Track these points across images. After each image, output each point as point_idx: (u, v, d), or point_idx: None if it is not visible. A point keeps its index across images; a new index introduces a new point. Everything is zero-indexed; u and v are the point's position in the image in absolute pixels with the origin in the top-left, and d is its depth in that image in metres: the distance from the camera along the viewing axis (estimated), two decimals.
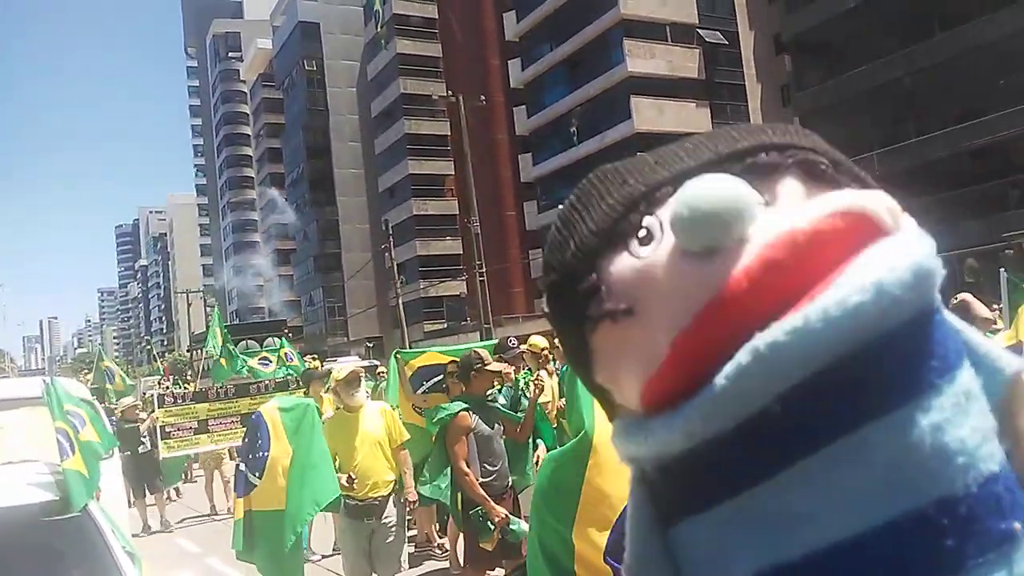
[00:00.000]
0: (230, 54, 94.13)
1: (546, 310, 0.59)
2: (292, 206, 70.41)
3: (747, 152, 0.53)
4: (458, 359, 6.30)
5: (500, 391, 6.18)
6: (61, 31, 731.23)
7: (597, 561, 2.38)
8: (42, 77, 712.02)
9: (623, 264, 0.52)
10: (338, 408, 5.97)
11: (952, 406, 0.48)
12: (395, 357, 7.56)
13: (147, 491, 11.40)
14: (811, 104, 29.90)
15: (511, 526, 5.10)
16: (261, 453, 5.33)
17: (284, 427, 5.31)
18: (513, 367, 6.83)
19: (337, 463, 5.53)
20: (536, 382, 5.80)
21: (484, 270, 29.86)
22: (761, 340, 0.46)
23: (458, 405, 5.32)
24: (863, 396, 0.47)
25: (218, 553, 9.06)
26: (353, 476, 5.45)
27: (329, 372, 8.29)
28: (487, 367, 5.42)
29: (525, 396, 6.25)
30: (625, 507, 1.86)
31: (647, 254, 0.51)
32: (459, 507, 5.32)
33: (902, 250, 0.48)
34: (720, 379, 0.47)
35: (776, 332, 0.46)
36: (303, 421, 5.39)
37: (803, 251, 0.48)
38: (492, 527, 5.08)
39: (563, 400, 6.13)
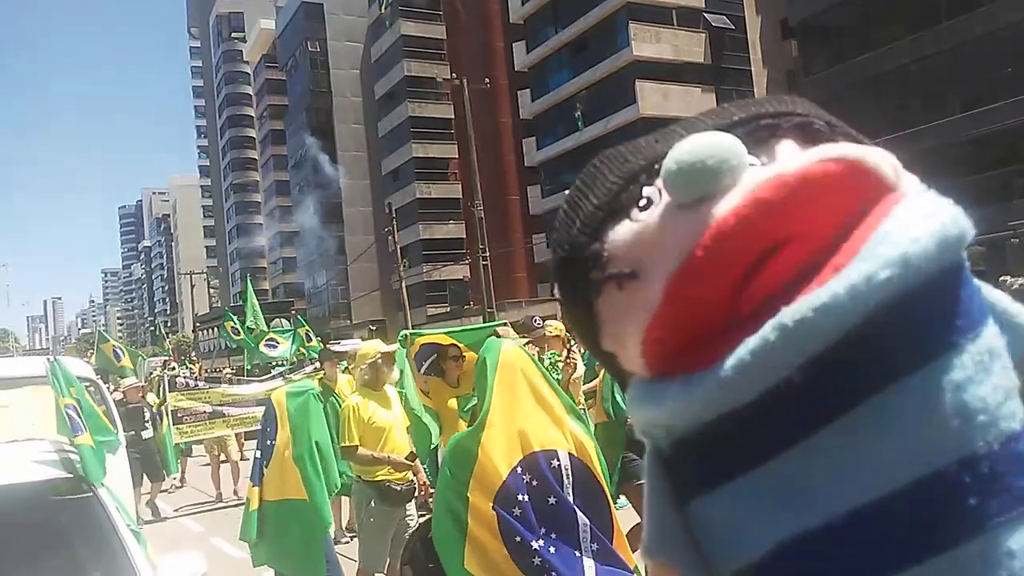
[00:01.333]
0: (233, 35, 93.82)
1: (554, 288, 0.59)
2: (295, 188, 70.38)
3: (743, 122, 0.54)
4: (458, 342, 6.22)
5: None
6: (64, 11, 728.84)
7: (487, 511, 2.97)
8: (44, 58, 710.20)
9: (624, 229, 0.53)
10: (363, 386, 5.77)
11: (974, 364, 0.48)
12: (404, 338, 7.41)
13: (145, 479, 10.74)
14: (817, 90, 29.75)
15: None
16: (269, 441, 5.30)
17: (288, 414, 5.28)
18: (538, 348, 6.64)
19: (382, 444, 5.41)
20: (570, 360, 5.57)
21: (487, 254, 29.84)
22: (788, 316, 0.46)
23: None
24: (884, 359, 0.47)
25: (222, 534, 9.12)
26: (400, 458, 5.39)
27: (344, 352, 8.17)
28: None
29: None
30: (514, 466, 2.50)
31: (645, 217, 0.52)
32: None
33: (925, 216, 0.48)
34: (744, 354, 0.47)
35: (804, 308, 0.46)
36: (304, 408, 5.31)
37: (794, 192, 0.48)
38: None
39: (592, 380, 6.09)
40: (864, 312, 0.46)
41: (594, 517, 3.03)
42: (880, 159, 0.51)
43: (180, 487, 13.11)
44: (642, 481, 0.58)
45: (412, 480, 5.58)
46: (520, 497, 2.92)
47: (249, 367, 15.14)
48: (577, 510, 2.97)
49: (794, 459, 0.48)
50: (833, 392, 0.48)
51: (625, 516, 3.88)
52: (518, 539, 2.89)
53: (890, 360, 0.47)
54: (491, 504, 2.94)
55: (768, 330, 0.47)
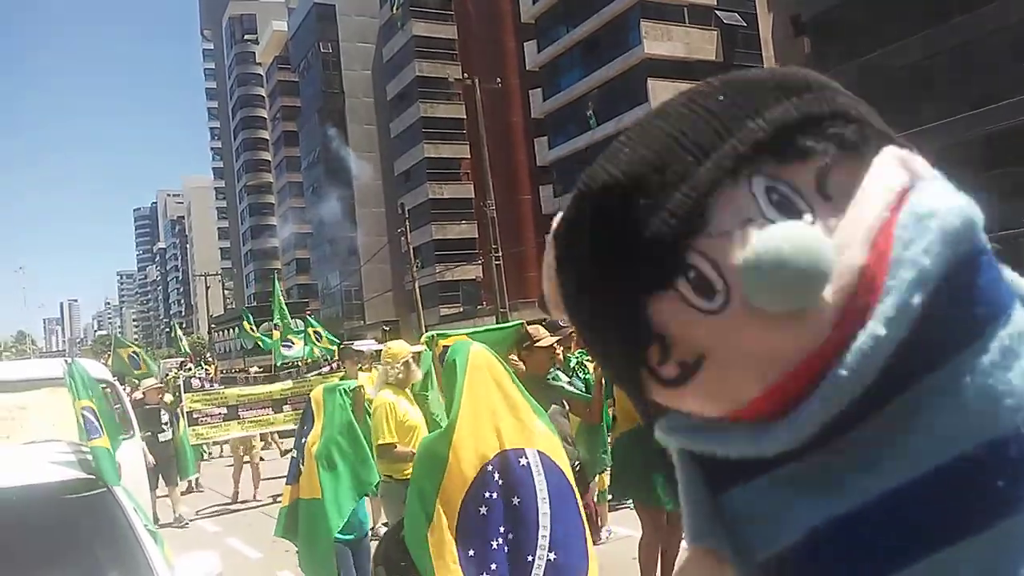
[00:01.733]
0: (246, 36, 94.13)
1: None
2: (308, 190, 70.54)
3: (768, 141, 0.53)
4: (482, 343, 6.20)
5: (573, 372, 5.72)
6: (78, 13, 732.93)
7: (452, 514, 3.07)
8: (58, 60, 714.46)
9: (686, 318, 0.52)
10: (388, 384, 5.65)
11: (1001, 349, 0.48)
12: (431, 339, 7.31)
13: (161, 482, 10.41)
14: None
15: None
16: (304, 439, 5.19)
17: (324, 411, 5.17)
18: (563, 346, 6.63)
19: (413, 442, 5.22)
20: None
21: (500, 254, 29.84)
22: (845, 368, 0.48)
23: None
24: (917, 357, 0.48)
25: (237, 534, 9.19)
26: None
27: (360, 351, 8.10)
28: (538, 344, 4.93)
29: (577, 376, 5.90)
30: (485, 464, 2.54)
31: (713, 309, 0.51)
32: None
33: (930, 216, 0.49)
34: (815, 407, 0.50)
35: (855, 359, 0.48)
36: (331, 404, 5.20)
37: (870, 274, 0.50)
38: None
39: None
40: (901, 335, 0.48)
41: (564, 514, 3.08)
42: (908, 170, 0.52)
43: (200, 491, 12.95)
44: None
45: None
46: (487, 495, 3.01)
47: (279, 363, 15.06)
48: (540, 514, 3.02)
49: (829, 453, 0.50)
50: (870, 398, 0.49)
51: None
52: (471, 552, 2.95)
53: (922, 357, 0.48)
54: (459, 507, 3.02)
55: (828, 385, 0.49)
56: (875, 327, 0.48)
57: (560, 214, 0.60)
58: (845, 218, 0.51)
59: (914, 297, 0.48)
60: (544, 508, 3.04)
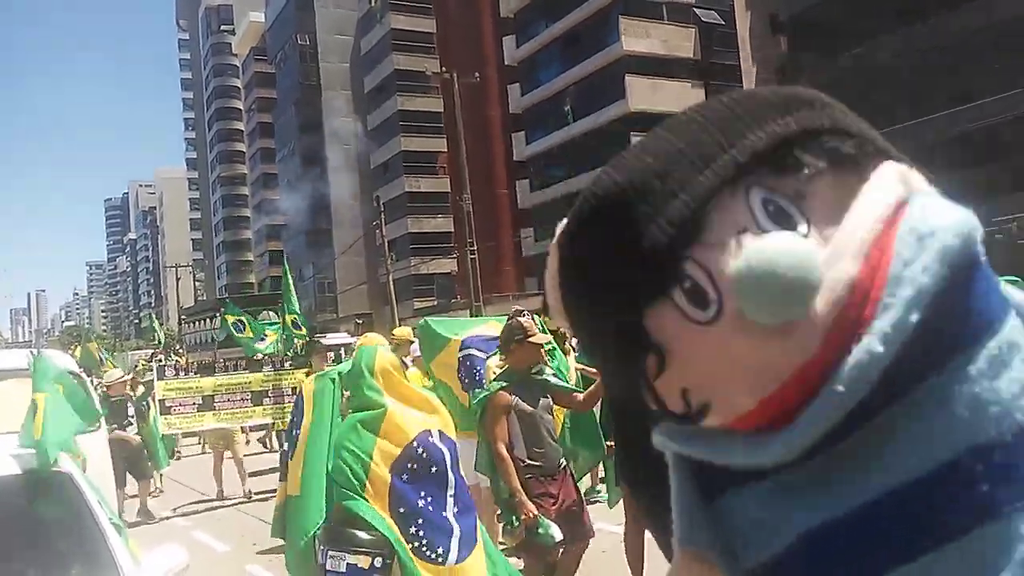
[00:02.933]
0: (222, 27, 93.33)
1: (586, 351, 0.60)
2: (283, 182, 70.05)
3: (766, 153, 0.54)
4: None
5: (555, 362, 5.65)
6: (49, 1, 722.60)
7: (384, 478, 3.68)
8: (29, 49, 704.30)
9: (681, 328, 0.53)
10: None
11: (989, 359, 0.49)
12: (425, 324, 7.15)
13: (130, 478, 9.96)
14: (806, 86, 29.76)
15: (539, 528, 4.51)
16: (295, 432, 4.89)
17: (314, 402, 4.87)
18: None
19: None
20: None
21: (475, 248, 29.80)
22: (841, 383, 0.49)
23: (496, 384, 4.89)
24: (911, 365, 0.49)
25: (206, 528, 9.06)
26: None
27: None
28: (530, 338, 4.85)
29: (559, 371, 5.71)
30: (410, 442, 3.29)
31: (707, 319, 0.52)
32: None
33: (929, 236, 0.50)
34: (812, 420, 0.50)
35: (850, 373, 0.49)
36: (324, 395, 4.74)
37: (863, 287, 0.50)
38: (517, 523, 4.57)
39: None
40: (896, 350, 0.49)
41: (459, 479, 3.92)
42: (902, 187, 0.53)
43: (161, 492, 11.87)
44: None
45: None
46: (411, 465, 3.72)
47: (251, 356, 14.19)
48: (451, 476, 3.84)
49: (819, 463, 0.51)
50: (862, 410, 0.50)
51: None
52: (402, 510, 3.65)
53: (913, 368, 0.49)
54: (388, 472, 3.69)
55: (823, 400, 0.50)
56: (872, 343, 0.49)
57: (563, 221, 0.59)
58: (839, 230, 0.52)
59: (912, 315, 0.48)
60: (451, 474, 3.83)
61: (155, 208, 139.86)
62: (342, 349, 14.29)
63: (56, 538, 3.43)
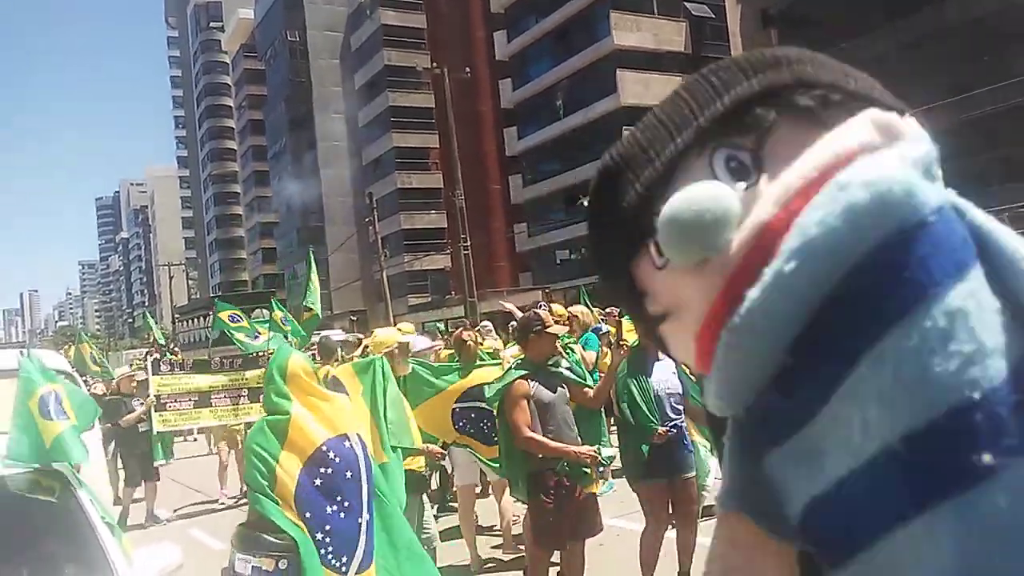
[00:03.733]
0: (211, 24, 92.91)
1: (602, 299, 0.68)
2: (275, 179, 69.86)
3: (729, 115, 0.57)
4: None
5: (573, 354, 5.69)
6: (37, 3, 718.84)
7: (291, 482, 3.58)
8: (19, 49, 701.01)
9: (651, 274, 0.59)
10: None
11: (922, 333, 0.47)
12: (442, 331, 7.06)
13: (139, 479, 9.94)
14: None
15: (602, 455, 4.75)
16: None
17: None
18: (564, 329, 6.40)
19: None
20: (625, 345, 5.08)
21: (468, 244, 29.77)
22: (750, 301, 0.51)
23: (514, 373, 4.91)
24: (855, 330, 0.48)
25: (201, 526, 9.04)
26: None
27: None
28: (548, 329, 4.89)
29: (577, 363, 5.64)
30: (319, 445, 3.25)
31: (661, 265, 0.58)
32: (525, 481, 4.90)
33: (868, 171, 0.49)
34: (723, 346, 0.53)
35: (748, 300, 0.51)
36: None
37: (772, 232, 0.52)
38: (588, 468, 4.73)
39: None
40: (785, 305, 0.50)
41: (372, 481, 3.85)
42: (864, 137, 0.53)
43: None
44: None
45: (424, 470, 5.49)
46: (323, 469, 3.63)
47: (248, 352, 14.00)
48: (364, 484, 3.75)
49: (811, 431, 0.51)
50: (823, 368, 0.50)
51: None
52: (308, 514, 3.56)
53: (840, 339, 0.49)
54: (296, 476, 3.60)
55: (723, 337, 0.53)
56: (753, 290, 0.51)
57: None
58: (775, 179, 0.54)
59: (788, 264, 0.49)
60: (365, 479, 3.76)
61: (147, 207, 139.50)
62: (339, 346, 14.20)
63: (48, 537, 3.41)
